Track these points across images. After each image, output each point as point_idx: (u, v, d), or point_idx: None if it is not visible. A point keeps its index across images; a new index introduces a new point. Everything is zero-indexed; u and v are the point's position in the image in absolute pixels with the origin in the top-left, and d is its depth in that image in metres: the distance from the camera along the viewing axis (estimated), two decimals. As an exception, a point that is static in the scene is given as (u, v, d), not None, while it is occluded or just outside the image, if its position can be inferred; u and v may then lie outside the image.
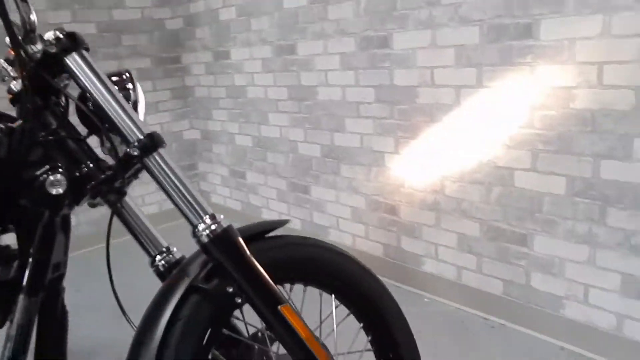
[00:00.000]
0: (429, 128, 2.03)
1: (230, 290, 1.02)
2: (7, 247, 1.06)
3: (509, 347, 1.78)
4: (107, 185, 1.03)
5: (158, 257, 1.21)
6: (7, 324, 0.99)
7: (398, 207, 2.24)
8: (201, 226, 0.96)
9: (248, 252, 1.00)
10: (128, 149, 0.95)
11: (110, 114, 0.97)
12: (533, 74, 1.67)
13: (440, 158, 2.02)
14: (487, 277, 1.97)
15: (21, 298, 0.96)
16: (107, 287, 1.13)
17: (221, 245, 0.98)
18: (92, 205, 1.12)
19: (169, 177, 0.98)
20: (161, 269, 1.20)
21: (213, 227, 0.96)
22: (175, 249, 1.22)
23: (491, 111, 1.81)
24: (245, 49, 2.85)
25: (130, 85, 1.13)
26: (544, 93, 1.66)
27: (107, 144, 1.08)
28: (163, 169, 0.97)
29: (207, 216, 0.97)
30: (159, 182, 0.98)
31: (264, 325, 1.09)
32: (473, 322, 1.95)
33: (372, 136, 2.26)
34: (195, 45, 3.23)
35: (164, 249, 1.22)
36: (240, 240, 1.00)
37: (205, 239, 0.97)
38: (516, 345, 1.79)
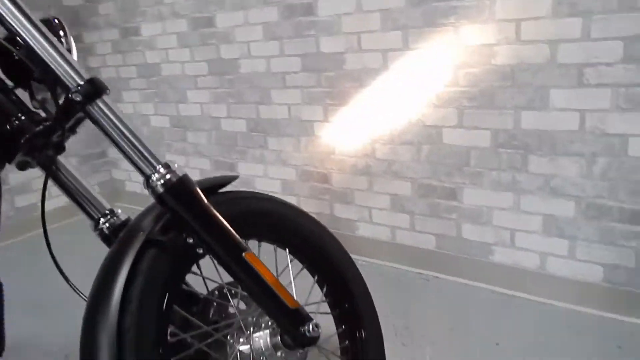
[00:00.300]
0: (358, 93, 2.04)
1: (191, 241, 0.96)
2: None
3: (444, 297, 1.86)
4: (44, 139, 0.92)
5: (102, 220, 1.10)
6: None
7: (330, 175, 2.24)
8: (155, 176, 0.90)
9: (206, 201, 0.94)
10: (70, 95, 0.85)
11: (45, 58, 0.87)
12: (456, 34, 1.74)
13: (369, 122, 2.05)
14: (421, 234, 2.03)
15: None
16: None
17: (178, 194, 0.92)
18: (22, 166, 0.99)
19: (116, 126, 0.90)
20: (106, 231, 1.10)
21: (168, 176, 0.91)
22: (119, 211, 1.12)
23: (418, 72, 1.86)
24: (157, 23, 2.69)
25: (62, 33, 1.01)
26: (467, 52, 1.74)
27: (39, 96, 0.96)
28: (109, 117, 0.90)
29: (160, 165, 0.91)
30: (105, 132, 0.90)
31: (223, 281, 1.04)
32: (409, 278, 2.01)
33: (300, 106, 2.24)
34: (99, 22, 2.99)
35: (107, 211, 1.11)
36: (198, 189, 0.94)
37: (160, 189, 0.90)
38: (450, 294, 1.88)
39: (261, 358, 1.02)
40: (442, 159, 1.90)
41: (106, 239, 1.11)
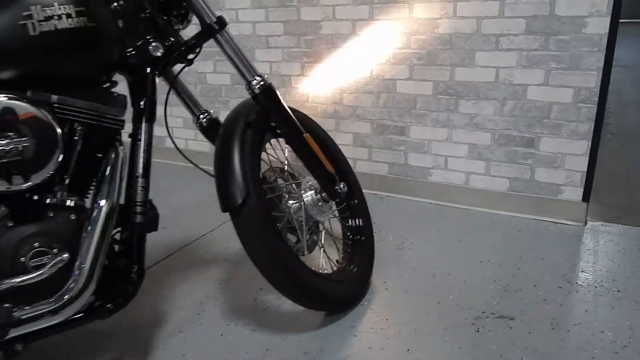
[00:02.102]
0: (330, 53, 2.46)
1: (273, 124, 1.37)
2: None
3: (394, 209, 2.36)
4: (186, 52, 1.27)
5: (201, 116, 1.46)
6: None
7: (303, 119, 2.65)
8: (254, 81, 1.30)
9: (283, 100, 1.35)
10: (210, 24, 1.25)
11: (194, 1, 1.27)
12: (410, 10, 2.21)
13: (339, 76, 2.48)
14: (376, 163, 2.52)
15: (143, 126, 1.18)
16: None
17: (268, 94, 1.32)
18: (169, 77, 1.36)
19: (234, 48, 1.29)
20: (204, 124, 1.48)
21: (262, 82, 1.30)
22: (212, 111, 1.49)
23: (379, 38, 2.32)
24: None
25: None
26: (417, 23, 2.22)
27: (186, 25, 1.32)
28: (229, 42, 1.29)
29: (257, 75, 1.31)
30: (226, 52, 1.30)
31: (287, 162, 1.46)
32: (368, 198, 2.49)
33: (280, 63, 2.61)
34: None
35: (204, 111, 1.47)
36: (278, 92, 1.35)
37: (257, 90, 1.30)
38: (399, 207, 2.38)
39: (308, 207, 1.43)
40: (396, 104, 2.38)
41: (203, 129, 1.48)
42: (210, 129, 1.49)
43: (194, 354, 1.35)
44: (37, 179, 1.00)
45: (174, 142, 1.42)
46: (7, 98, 0.96)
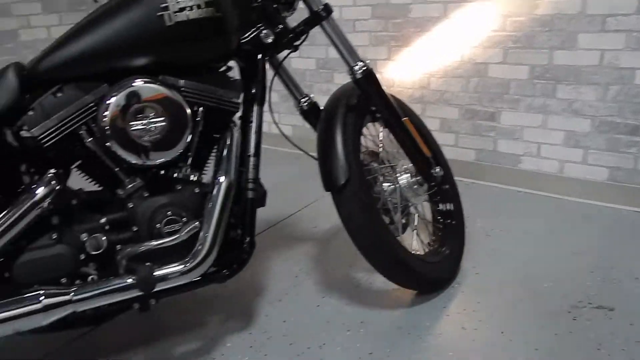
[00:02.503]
0: (419, 37, 2.45)
1: (373, 108, 1.42)
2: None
3: (481, 196, 2.33)
4: (294, 39, 1.35)
5: (302, 100, 1.54)
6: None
7: (389, 103, 2.67)
8: (357, 67, 1.35)
9: (382, 86, 1.39)
10: (317, 10, 1.31)
11: None
12: (507, -11, 2.15)
13: (427, 60, 2.46)
14: (463, 149, 2.49)
15: (255, 108, 1.27)
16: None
17: (369, 80, 1.37)
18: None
19: (338, 34, 1.35)
20: (305, 108, 1.55)
21: (364, 68, 1.35)
22: (312, 95, 1.56)
23: (472, 20, 2.27)
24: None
25: None
26: (514, 4, 2.15)
27: (291, 12, 1.39)
28: (335, 28, 1.35)
29: (359, 61, 1.36)
30: (330, 37, 1.35)
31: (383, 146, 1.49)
32: (453, 183, 2.48)
33: (367, 47, 2.64)
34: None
35: (305, 95, 1.55)
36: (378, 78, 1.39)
37: (359, 75, 1.35)
38: (486, 194, 2.34)
39: (404, 190, 1.48)
40: (487, 89, 2.33)
41: (304, 112, 1.56)
42: (311, 112, 1.56)
43: (294, 320, 1.44)
44: (169, 155, 1.12)
45: (277, 125, 1.51)
46: (144, 82, 1.08)
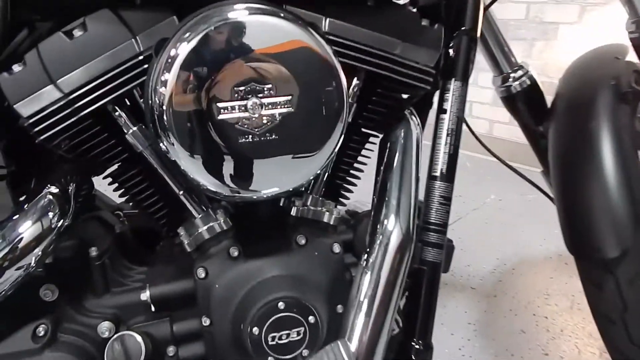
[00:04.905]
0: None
1: None
2: None
3: None
4: None
5: (511, 74, 0.88)
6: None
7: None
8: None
9: None
10: None
11: None
12: None
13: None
14: None
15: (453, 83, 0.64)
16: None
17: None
18: None
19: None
20: (515, 88, 0.88)
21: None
22: (530, 68, 0.90)
23: None
24: None
25: None
26: None
27: None
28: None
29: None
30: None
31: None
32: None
33: (542, 5, 1.89)
34: None
35: (516, 65, 0.89)
36: None
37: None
38: None
39: None
40: None
41: (510, 97, 0.90)
42: (525, 97, 0.89)
43: None
44: (301, 178, 0.53)
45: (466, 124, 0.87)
46: (251, 12, 0.48)
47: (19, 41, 0.57)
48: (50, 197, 0.55)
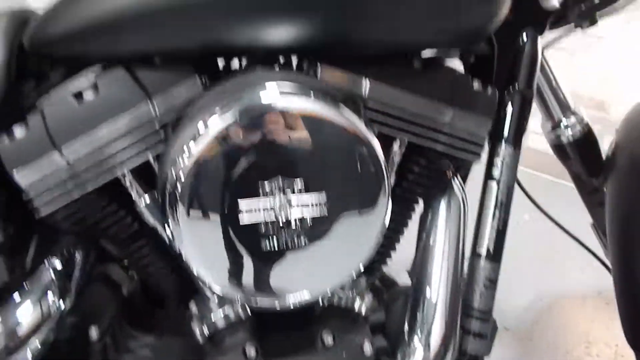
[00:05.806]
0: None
1: None
2: None
3: None
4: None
5: (564, 120, 0.77)
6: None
7: None
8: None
9: None
10: None
11: None
12: None
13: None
14: None
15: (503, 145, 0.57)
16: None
17: None
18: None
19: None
20: (566, 138, 0.76)
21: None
22: (583, 113, 0.78)
23: None
24: None
25: None
26: None
27: None
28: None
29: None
30: None
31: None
32: None
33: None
34: None
35: (570, 111, 0.78)
36: None
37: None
38: None
39: None
40: None
41: (560, 145, 0.78)
42: (576, 146, 0.78)
43: None
44: (335, 278, 0.46)
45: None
46: (295, 94, 0.42)
47: (26, 92, 0.52)
48: (51, 274, 0.50)
